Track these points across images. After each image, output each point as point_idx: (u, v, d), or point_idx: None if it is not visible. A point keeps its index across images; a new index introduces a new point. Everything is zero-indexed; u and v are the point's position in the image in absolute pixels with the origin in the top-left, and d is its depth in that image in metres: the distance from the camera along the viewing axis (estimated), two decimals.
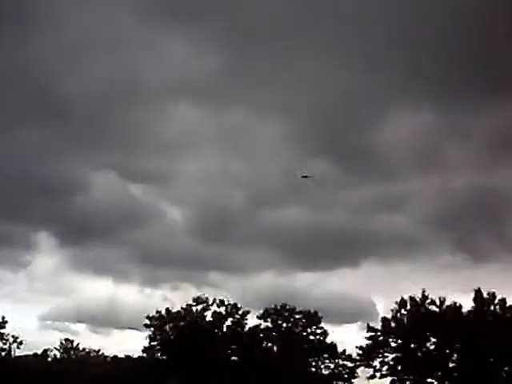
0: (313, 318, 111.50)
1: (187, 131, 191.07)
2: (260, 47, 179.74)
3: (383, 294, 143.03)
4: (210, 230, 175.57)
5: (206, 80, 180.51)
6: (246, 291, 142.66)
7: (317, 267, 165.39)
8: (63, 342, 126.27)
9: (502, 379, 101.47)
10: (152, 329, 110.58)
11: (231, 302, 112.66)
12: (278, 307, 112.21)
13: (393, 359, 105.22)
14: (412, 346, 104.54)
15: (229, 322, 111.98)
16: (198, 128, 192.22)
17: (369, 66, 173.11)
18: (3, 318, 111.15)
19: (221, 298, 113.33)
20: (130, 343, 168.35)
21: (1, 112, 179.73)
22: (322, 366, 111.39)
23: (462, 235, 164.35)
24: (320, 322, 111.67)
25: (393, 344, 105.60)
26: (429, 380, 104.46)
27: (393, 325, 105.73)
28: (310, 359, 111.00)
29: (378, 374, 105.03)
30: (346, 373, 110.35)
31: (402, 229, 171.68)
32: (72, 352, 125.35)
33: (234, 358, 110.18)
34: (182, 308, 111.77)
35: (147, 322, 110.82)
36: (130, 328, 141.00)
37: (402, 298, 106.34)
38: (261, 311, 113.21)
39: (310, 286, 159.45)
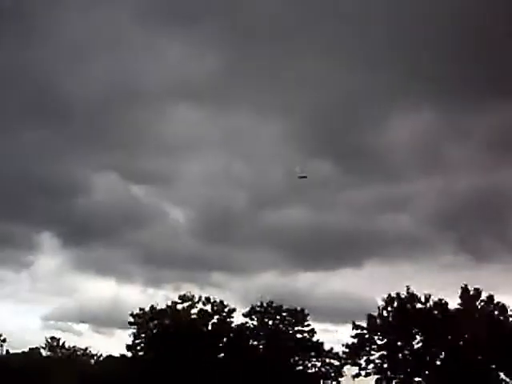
0: (299, 316, 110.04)
1: (188, 132, 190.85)
2: (260, 47, 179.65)
3: (386, 293, 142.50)
4: (212, 231, 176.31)
5: (206, 80, 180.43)
6: (249, 291, 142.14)
7: (319, 267, 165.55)
8: (49, 340, 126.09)
9: (491, 378, 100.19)
10: (136, 327, 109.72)
11: (217, 300, 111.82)
12: (265, 304, 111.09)
13: (379, 357, 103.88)
14: (399, 343, 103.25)
15: (215, 319, 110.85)
16: (198, 129, 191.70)
17: (369, 66, 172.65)
18: None
19: (206, 295, 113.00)
20: None
21: (1, 112, 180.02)
22: (309, 365, 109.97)
23: (464, 235, 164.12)
24: (307, 320, 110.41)
25: (379, 342, 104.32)
26: (416, 379, 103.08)
27: (378, 322, 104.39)
28: (296, 358, 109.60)
29: (363, 373, 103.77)
30: (333, 371, 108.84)
31: (404, 229, 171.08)
32: (58, 350, 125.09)
33: (218, 356, 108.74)
34: (166, 306, 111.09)
35: (131, 319, 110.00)
36: None
37: (389, 295, 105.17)
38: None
39: (312, 285, 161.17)
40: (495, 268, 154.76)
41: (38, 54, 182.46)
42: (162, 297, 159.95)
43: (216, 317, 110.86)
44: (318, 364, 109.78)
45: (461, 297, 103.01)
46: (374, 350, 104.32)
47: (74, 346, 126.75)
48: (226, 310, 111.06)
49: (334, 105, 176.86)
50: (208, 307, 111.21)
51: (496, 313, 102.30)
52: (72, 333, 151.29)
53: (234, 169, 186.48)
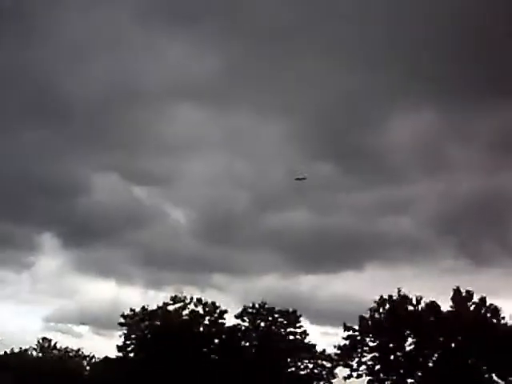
0: (291, 317, 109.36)
1: (189, 132, 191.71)
2: (260, 47, 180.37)
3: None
4: (213, 232, 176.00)
5: (206, 80, 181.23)
6: (250, 294, 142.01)
7: (321, 270, 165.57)
8: (40, 340, 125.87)
9: (484, 379, 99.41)
10: (126, 327, 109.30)
11: (209, 301, 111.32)
12: (257, 305, 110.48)
13: (371, 359, 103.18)
14: (391, 345, 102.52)
15: (206, 321, 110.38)
16: (199, 129, 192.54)
17: (369, 66, 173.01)
18: None
19: (203, 297, 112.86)
20: None
21: (2, 112, 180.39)
22: (302, 366, 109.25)
23: (464, 239, 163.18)
24: (299, 322, 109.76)
25: (371, 344, 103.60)
26: (409, 380, 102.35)
27: (370, 324, 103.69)
28: (288, 359, 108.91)
29: (354, 374, 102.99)
30: (326, 373, 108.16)
31: (405, 232, 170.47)
32: (50, 351, 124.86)
33: (209, 357, 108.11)
34: (158, 307, 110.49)
35: (122, 320, 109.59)
36: None
37: (381, 297, 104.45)
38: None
39: (313, 288, 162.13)
40: (495, 272, 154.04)
41: (38, 54, 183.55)
42: (162, 299, 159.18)
43: (207, 318, 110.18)
44: (310, 366, 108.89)
45: (452, 299, 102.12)
46: (365, 351, 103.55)
47: (65, 348, 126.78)
48: (217, 311, 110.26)
49: (335, 105, 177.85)
50: (200, 308, 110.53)
51: (488, 315, 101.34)
52: (72, 335, 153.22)
53: (235, 170, 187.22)
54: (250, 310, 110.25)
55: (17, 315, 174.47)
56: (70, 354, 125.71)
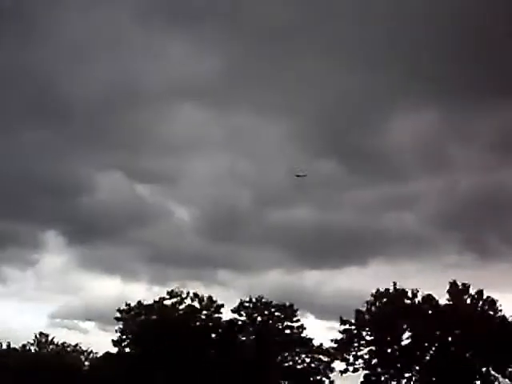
0: (288, 311, 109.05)
1: (192, 131, 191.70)
2: (260, 47, 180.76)
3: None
4: (217, 230, 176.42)
5: (207, 81, 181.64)
6: (254, 289, 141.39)
7: (324, 266, 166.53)
8: (38, 335, 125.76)
9: (480, 372, 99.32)
10: (122, 322, 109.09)
11: (205, 296, 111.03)
12: (254, 300, 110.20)
13: (368, 353, 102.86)
14: (387, 339, 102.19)
15: (203, 315, 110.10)
16: (201, 129, 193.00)
17: (369, 66, 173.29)
18: None
19: (194, 291, 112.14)
20: None
21: (2, 112, 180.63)
22: (299, 360, 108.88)
23: (468, 235, 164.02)
24: (296, 316, 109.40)
25: (367, 337, 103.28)
26: (406, 374, 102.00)
27: (367, 317, 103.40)
28: (285, 353, 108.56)
29: (351, 368, 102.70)
30: (323, 367, 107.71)
31: (409, 228, 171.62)
32: (47, 346, 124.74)
33: (206, 351, 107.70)
34: (154, 301, 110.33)
35: (118, 315, 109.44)
36: None
37: (378, 290, 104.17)
38: None
39: (317, 284, 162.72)
40: (500, 267, 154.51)
41: (38, 54, 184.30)
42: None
43: (204, 312, 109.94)
44: (308, 360, 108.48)
45: (449, 292, 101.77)
46: (362, 345, 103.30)
47: (63, 343, 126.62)
48: (214, 305, 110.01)
49: (335, 105, 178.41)
50: (196, 303, 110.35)
51: (486, 307, 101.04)
52: (78, 330, 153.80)
53: (238, 167, 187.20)
54: (247, 305, 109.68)
55: (22, 312, 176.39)
56: (68, 349, 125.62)
